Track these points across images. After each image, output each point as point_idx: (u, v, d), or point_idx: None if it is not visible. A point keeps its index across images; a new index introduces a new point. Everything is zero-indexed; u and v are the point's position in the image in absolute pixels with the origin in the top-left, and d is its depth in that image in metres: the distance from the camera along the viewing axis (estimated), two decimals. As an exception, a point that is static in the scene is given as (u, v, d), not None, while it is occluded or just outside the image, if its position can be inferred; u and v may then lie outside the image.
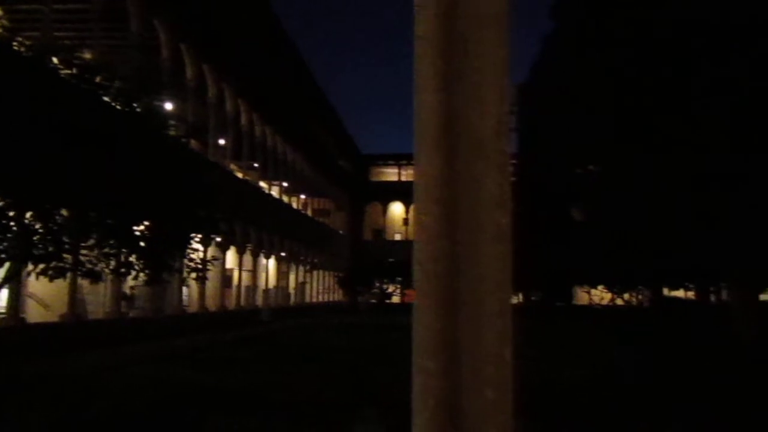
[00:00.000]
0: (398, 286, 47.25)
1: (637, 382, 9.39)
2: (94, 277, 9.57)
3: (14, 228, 8.15)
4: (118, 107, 9.54)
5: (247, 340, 18.73)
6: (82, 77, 9.07)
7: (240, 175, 31.67)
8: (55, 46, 11.70)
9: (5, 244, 8.04)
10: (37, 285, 17.02)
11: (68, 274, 9.26)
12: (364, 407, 6.51)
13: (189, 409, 7.33)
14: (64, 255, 8.72)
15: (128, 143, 8.87)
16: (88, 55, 15.91)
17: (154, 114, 10.91)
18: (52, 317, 17.82)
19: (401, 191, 54.72)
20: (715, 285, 30.90)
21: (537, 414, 6.77)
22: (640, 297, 38.45)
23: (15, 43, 8.88)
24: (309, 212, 46.45)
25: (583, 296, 41.96)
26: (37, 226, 8.31)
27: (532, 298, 36.38)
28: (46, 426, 6.49)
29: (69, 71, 8.99)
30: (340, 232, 55.22)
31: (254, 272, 32.04)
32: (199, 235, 12.32)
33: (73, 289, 16.78)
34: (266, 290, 34.26)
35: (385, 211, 62.43)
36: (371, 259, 51.11)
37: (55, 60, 9.10)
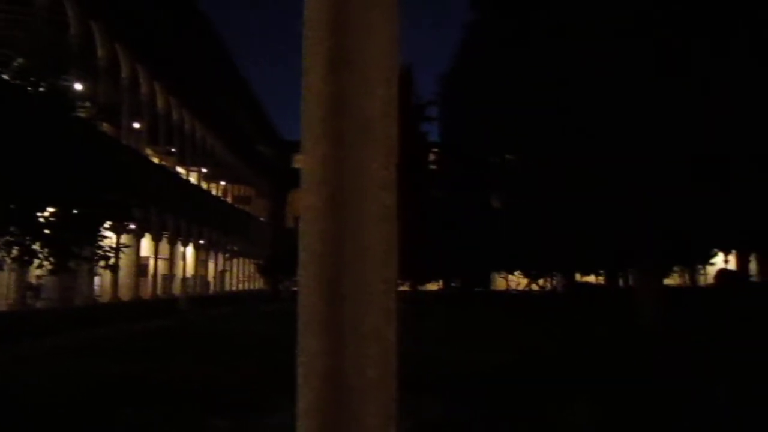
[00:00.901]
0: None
1: (546, 363, 9.78)
2: (-8, 265, 9.05)
3: None
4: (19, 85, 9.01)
5: (159, 330, 18.23)
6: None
7: (156, 160, 30.62)
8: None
9: None
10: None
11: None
12: (274, 396, 6.48)
13: (89, 403, 7.08)
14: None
15: (30, 124, 8.39)
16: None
17: (61, 94, 10.38)
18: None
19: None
20: (623, 271, 32.50)
21: (447, 393, 6.95)
22: (554, 282, 40.04)
23: None
24: (229, 199, 45.51)
25: (500, 282, 43.26)
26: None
27: (452, 284, 37.15)
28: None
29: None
30: (262, 219, 54.47)
31: (171, 260, 31.14)
32: (111, 222, 11.86)
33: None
34: (184, 279, 33.39)
35: (307, 198, 61.78)
36: (293, 246, 50.39)
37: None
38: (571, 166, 15.28)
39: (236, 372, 9.21)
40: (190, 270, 35.34)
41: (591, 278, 37.44)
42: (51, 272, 10.83)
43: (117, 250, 11.66)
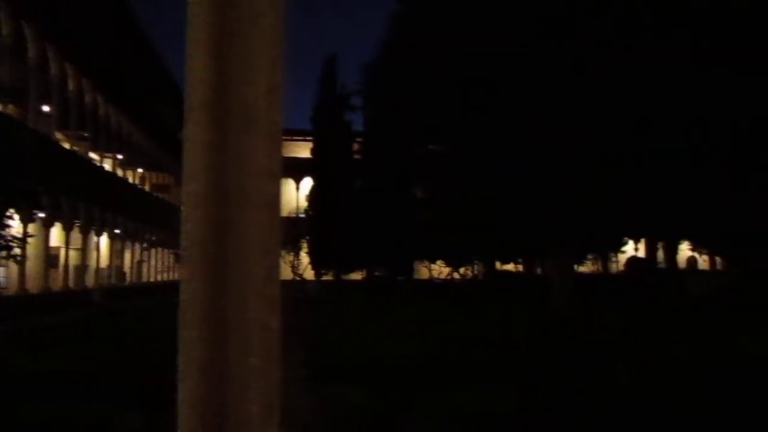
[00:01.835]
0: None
1: (459, 348, 10.02)
2: None
3: None
4: None
5: (67, 323, 17.46)
6: None
7: (68, 145, 29.18)
8: None
9: None
10: None
11: None
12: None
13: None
14: None
15: None
16: None
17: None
18: None
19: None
20: (540, 259, 33.67)
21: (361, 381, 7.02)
22: (475, 271, 40.99)
23: None
24: (147, 187, 43.96)
25: (423, 271, 43.89)
26: None
27: (376, 273, 37.39)
28: None
29: None
30: (182, 208, 52.90)
31: (84, 251, 29.83)
32: (14, 210, 11.23)
33: None
34: (98, 270, 32.09)
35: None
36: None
37: None
38: (489, 158, 15.66)
39: (139, 364, 8.93)
40: (105, 260, 34.00)
41: (510, 266, 38.56)
42: (-54, 263, 10.17)
43: (23, 239, 11.04)
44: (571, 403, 6.15)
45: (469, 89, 16.08)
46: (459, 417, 5.62)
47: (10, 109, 23.38)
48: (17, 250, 10.77)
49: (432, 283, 38.10)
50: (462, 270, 38.44)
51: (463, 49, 15.90)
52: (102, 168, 33.18)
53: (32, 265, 23.85)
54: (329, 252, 36.14)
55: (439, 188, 23.71)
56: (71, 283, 28.47)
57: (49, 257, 25.70)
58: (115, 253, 35.41)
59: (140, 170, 42.27)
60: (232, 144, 1.34)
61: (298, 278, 41.84)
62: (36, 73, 24.35)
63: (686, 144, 13.54)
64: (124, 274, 37.44)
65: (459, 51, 16.21)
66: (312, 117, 40.12)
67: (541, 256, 29.89)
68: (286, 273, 43.44)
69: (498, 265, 36.10)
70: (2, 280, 23.30)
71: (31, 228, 20.75)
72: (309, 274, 40.82)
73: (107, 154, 33.83)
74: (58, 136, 27.86)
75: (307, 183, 44.44)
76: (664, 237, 30.88)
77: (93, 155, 32.33)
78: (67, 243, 27.45)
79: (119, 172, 36.37)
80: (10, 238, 10.28)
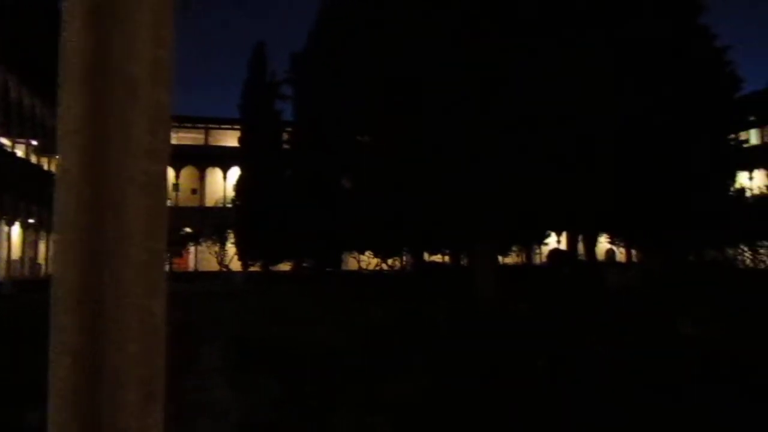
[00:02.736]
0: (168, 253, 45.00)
1: (381, 338, 10.08)
2: None
3: None
4: None
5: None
6: None
7: (-26, 130, 27.51)
8: None
9: None
10: None
11: None
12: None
13: None
14: None
15: None
16: None
17: None
18: None
19: (191, 156, 49.89)
20: (466, 250, 34.26)
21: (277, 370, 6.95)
22: (403, 262, 41.34)
23: None
24: (64, 175, 41.85)
25: (352, 262, 43.91)
26: None
27: (304, 264, 37.13)
28: None
29: None
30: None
31: (-7, 241, 28.27)
32: None
33: None
34: (9, 261, 30.46)
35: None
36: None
37: None
38: (414, 152, 15.81)
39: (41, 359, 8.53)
40: (17, 252, 32.29)
41: (438, 257, 39.07)
42: None
43: None
44: (483, 374, 6.29)
45: (391, 86, 16.24)
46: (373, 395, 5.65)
47: None
48: None
49: (360, 273, 38.15)
50: (390, 261, 38.67)
51: (384, 48, 16.05)
52: (14, 154, 31.48)
53: (-65, 256, 22.41)
54: (257, 242, 35.59)
55: (367, 179, 23.72)
56: (-21, 275, 26.93)
57: (-46, 248, 24.21)
58: (29, 243, 33.71)
59: (58, 157, 40.28)
60: (109, 119, 1.26)
61: (224, 269, 41.05)
62: (-61, 52, 22.81)
63: (592, 140, 14.23)
64: (38, 265, 35.69)
65: (380, 50, 16.36)
66: (240, 105, 39.17)
67: (468, 247, 30.45)
68: (212, 264, 42.56)
69: (426, 256, 36.51)
70: None
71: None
72: (236, 264, 40.08)
73: (20, 140, 32.10)
74: (-36, 119, 26.22)
75: (235, 172, 43.39)
76: (583, 230, 32.04)
77: (4, 140, 30.62)
78: (-26, 233, 25.93)
79: (33, 159, 34.57)
80: None
